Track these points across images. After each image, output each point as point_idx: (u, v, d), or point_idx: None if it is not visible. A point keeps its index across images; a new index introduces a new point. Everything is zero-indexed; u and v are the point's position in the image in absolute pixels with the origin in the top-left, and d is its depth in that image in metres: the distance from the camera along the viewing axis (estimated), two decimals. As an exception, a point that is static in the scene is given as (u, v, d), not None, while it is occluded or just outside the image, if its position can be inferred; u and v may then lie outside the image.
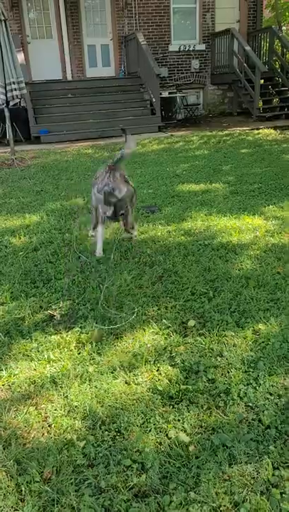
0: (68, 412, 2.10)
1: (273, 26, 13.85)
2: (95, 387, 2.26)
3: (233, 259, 3.71)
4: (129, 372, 2.35)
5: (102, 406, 2.12)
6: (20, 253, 4.04)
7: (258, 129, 11.29)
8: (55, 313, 2.95)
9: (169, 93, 12.97)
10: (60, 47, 13.15)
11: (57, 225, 4.77)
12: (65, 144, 10.48)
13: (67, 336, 2.71)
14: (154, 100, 12.01)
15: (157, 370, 2.37)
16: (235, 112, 14.45)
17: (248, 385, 2.24)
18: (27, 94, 10.63)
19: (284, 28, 14.91)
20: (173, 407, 2.11)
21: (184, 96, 13.53)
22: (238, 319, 2.82)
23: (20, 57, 10.96)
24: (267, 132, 10.75)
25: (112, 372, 2.35)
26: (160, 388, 2.22)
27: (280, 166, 7.21)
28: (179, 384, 2.24)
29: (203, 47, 14.53)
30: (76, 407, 2.12)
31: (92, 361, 2.46)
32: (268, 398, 2.14)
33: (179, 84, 14.33)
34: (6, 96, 7.72)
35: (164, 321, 2.81)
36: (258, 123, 12.37)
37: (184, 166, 7.35)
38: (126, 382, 2.28)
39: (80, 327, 2.80)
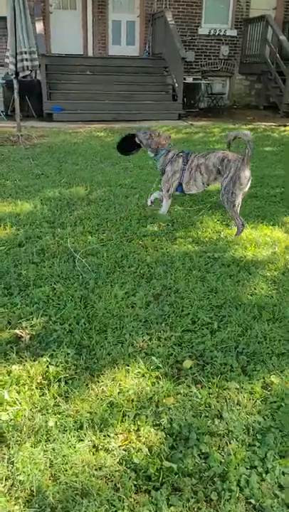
0: (9, 489, 1.58)
1: (312, 17, 12.97)
2: (53, 450, 1.74)
3: (245, 279, 3.15)
4: (100, 431, 1.83)
5: (55, 484, 1.60)
6: (2, 248, 3.51)
7: (284, 125, 10.58)
8: (23, 334, 2.43)
9: (194, 79, 12.26)
10: (83, 19, 12.47)
11: (50, 216, 4.23)
12: (78, 124, 9.89)
13: (32, 366, 2.19)
14: (176, 85, 11.33)
15: (136, 431, 1.84)
16: (262, 105, 13.68)
17: (251, 468, 1.70)
18: (42, 67, 10.03)
19: None
20: (149, 495, 1.59)
21: (209, 83, 12.80)
22: (246, 364, 2.28)
23: (38, 26, 10.34)
24: (293, 130, 10.04)
25: (78, 430, 1.83)
26: (136, 461, 1.70)
27: (307, 170, 6.56)
28: (161, 457, 1.72)
29: (234, 33, 13.72)
30: (21, 482, 1.60)
31: (55, 409, 1.94)
32: (276, 495, 1.60)
33: (205, 71, 13.59)
34: (15, 66, 7.12)
35: (153, 358, 2.27)
36: (285, 119, 11.64)
37: (201, 160, 6.72)
38: (93, 447, 1.76)
39: (51, 356, 2.27)
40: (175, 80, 11.39)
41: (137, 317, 2.64)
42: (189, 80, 12.10)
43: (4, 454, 1.71)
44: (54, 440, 1.77)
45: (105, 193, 5.01)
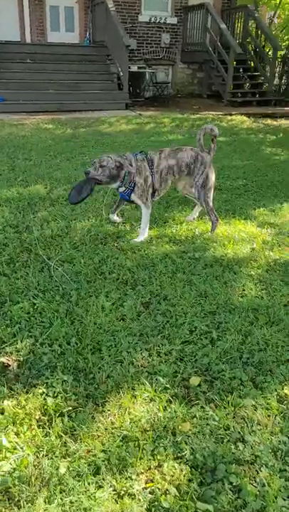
0: None
1: (249, 5, 13.12)
2: (71, 503, 1.52)
3: (232, 280, 3.04)
4: (119, 473, 1.63)
5: None
6: None
7: (230, 114, 10.66)
8: (9, 362, 2.17)
9: (138, 67, 12.03)
10: (19, 5, 11.79)
11: (13, 220, 3.89)
12: (22, 116, 9.37)
13: (27, 401, 1.94)
14: (121, 74, 11.05)
15: (158, 468, 1.67)
16: (205, 94, 13.72)
17: (289, 497, 1.59)
18: (-21, 54, 9.38)
19: (260, 8, 14.21)
20: None
21: (153, 72, 12.61)
22: (255, 376, 2.17)
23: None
24: (240, 119, 10.15)
25: (95, 475, 1.62)
26: (166, 505, 1.53)
27: (262, 159, 6.62)
28: (193, 498, 1.56)
29: (175, 20, 13.61)
30: None
31: (63, 451, 1.72)
32: None
33: (147, 59, 13.39)
34: None
35: (159, 378, 2.10)
36: (229, 108, 11.74)
37: (158, 153, 6.56)
38: (116, 493, 1.57)
39: (45, 385, 2.03)
40: (120, 69, 11.10)
41: (131, 331, 2.45)
42: (134, 68, 11.86)
43: (16, 516, 1.48)
44: (70, 491, 1.56)
45: (67, 191, 4.70)
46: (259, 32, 13.34)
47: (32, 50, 11.31)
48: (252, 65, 13.58)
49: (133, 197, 3.52)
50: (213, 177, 3.74)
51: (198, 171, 3.64)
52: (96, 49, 12.10)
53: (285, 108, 12.09)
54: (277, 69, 13.81)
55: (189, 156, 3.62)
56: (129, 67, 11.34)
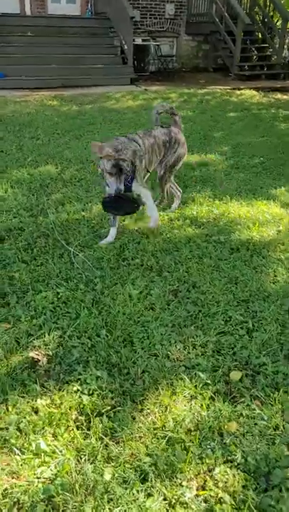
0: None
1: (257, -27, 12.60)
2: (121, 514, 1.42)
3: (262, 265, 2.90)
4: (169, 479, 1.52)
5: None
6: (-19, 246, 3.03)
7: (239, 89, 10.35)
8: (39, 357, 2.05)
9: (143, 40, 11.60)
10: (17, -26, 11.29)
11: (26, 203, 3.73)
12: (24, 92, 9.07)
13: (61, 399, 1.83)
14: (125, 47, 10.68)
15: (209, 473, 1.56)
16: (211, 67, 13.31)
17: None
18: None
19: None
20: None
21: (158, 45, 12.18)
22: (298, 369, 2.05)
23: None
24: (250, 94, 9.85)
25: (143, 481, 1.51)
26: (223, 515, 1.43)
27: (277, 136, 6.40)
28: (250, 507, 1.45)
29: (180, -10, 13.08)
30: None
31: (106, 454, 1.61)
32: None
33: (151, 31, 12.93)
34: None
35: (199, 373, 1.98)
36: (237, 82, 11.39)
37: (169, 130, 6.33)
38: (167, 502, 1.46)
39: (79, 381, 1.92)
40: (124, 42, 10.72)
41: (162, 321, 2.32)
42: (138, 41, 11.44)
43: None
44: (118, 500, 1.45)
45: (79, 171, 4.54)
46: (267, 1, 12.85)
47: (32, 22, 10.89)
48: (260, 36, 13.15)
49: (134, 186, 3.01)
50: (184, 158, 3.51)
51: (172, 150, 3.35)
52: (98, 21, 11.66)
53: (295, 82, 11.73)
54: (287, 40, 13.34)
55: (163, 133, 3.31)
56: (133, 40, 10.94)
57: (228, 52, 12.13)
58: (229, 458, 1.61)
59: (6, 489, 1.48)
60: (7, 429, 1.70)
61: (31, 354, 2.04)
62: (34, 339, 2.16)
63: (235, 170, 4.81)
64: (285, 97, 9.92)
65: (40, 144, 5.47)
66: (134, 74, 10.82)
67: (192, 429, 1.72)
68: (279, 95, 10.03)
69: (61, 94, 8.91)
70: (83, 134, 6.02)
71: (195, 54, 13.83)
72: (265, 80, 11.80)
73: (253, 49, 12.91)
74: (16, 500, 1.45)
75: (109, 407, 1.79)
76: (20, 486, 1.49)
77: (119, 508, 1.42)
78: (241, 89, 10.30)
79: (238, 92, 10.00)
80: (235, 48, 11.66)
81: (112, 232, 3.12)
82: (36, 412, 1.78)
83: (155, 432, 1.70)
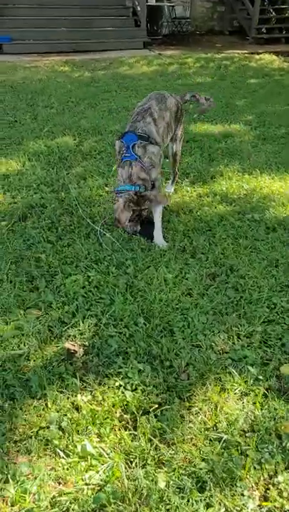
0: None
1: None
2: (180, 527, 1.31)
3: (302, 246, 2.73)
4: (229, 488, 1.41)
5: None
6: (3, 223, 2.87)
7: (258, 53, 9.89)
8: (75, 347, 1.92)
9: (156, 1, 11.03)
10: None
11: (46, 177, 3.54)
12: (33, 57, 8.71)
13: (103, 395, 1.71)
14: (138, 8, 10.17)
15: (270, 480, 1.44)
16: (226, 30, 12.74)
17: None
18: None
19: None
20: None
21: (172, 6, 11.60)
22: None
23: None
24: (269, 58, 9.40)
25: (200, 490, 1.40)
26: (289, 528, 1.31)
27: (302, 104, 6.07)
28: None
29: None
30: None
31: (157, 458, 1.50)
32: None
33: (163, -9, 12.30)
34: None
35: (248, 367, 1.84)
36: (255, 46, 10.89)
37: (189, 98, 6.03)
38: (228, 514, 1.35)
39: (120, 375, 1.79)
40: (137, 3, 10.19)
41: (202, 309, 2.18)
42: (152, 1, 10.88)
43: None
44: (176, 510, 1.34)
45: (98, 143, 4.31)
46: None
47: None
48: (278, -4, 12.49)
49: (154, 174, 2.52)
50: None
51: (179, 123, 2.99)
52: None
53: (315, 46, 11.19)
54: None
55: (174, 104, 2.86)
56: (147, 1, 10.41)
57: (246, 14, 11.56)
58: (290, 465, 1.49)
59: (53, 497, 1.37)
60: (48, 428, 1.58)
61: (67, 345, 1.91)
62: (68, 328, 2.03)
63: (262, 141, 4.57)
64: (305, 62, 9.46)
65: (55, 113, 5.22)
66: (147, 37, 10.34)
67: (247, 430, 1.60)
68: (299, 60, 9.57)
69: (72, 60, 8.55)
70: (98, 102, 5.75)
71: (210, 16, 13.21)
72: (285, 44, 11.26)
73: (272, 10, 12.27)
74: (65, 509, 1.34)
75: (155, 405, 1.66)
76: (69, 493, 1.38)
77: (177, 521, 1.31)
78: (260, 53, 9.84)
79: (256, 56, 9.55)
80: (253, 9, 11.08)
81: None
82: (77, 409, 1.66)
83: (207, 433, 1.58)
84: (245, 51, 10.09)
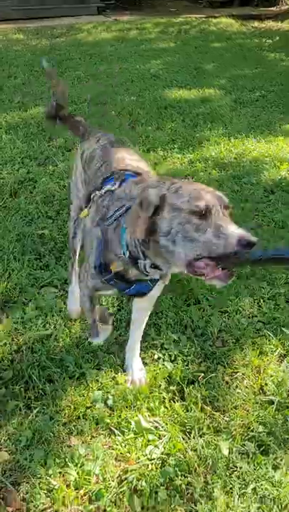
0: None
1: None
2: (254, 492, 1.29)
3: (303, 207, 2.74)
4: (289, 447, 1.41)
5: None
6: (-5, 202, 2.69)
7: (214, 17, 9.69)
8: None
9: None
10: None
11: (28, 150, 3.35)
12: (-17, 25, 8.14)
13: (145, 367, 1.65)
14: None
15: None
16: (179, -6, 12.37)
17: None
18: None
19: None
20: None
21: None
22: None
23: None
24: (227, 22, 9.26)
25: (265, 454, 1.39)
26: None
27: (270, 66, 6.07)
28: None
29: None
30: None
31: (212, 425, 1.47)
32: None
33: None
34: None
35: (283, 329, 1.84)
36: (209, 10, 10.67)
37: (157, 63, 5.88)
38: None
39: (155, 346, 1.74)
40: None
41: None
42: None
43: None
44: (245, 476, 1.32)
45: (74, 112, 4.11)
46: None
47: None
48: None
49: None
50: None
51: None
52: None
53: (269, 8, 11.12)
54: None
55: None
56: None
57: (198, -24, 11.27)
58: None
59: (118, 476, 1.32)
60: (94, 406, 1.52)
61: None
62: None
63: (240, 105, 4.53)
64: (262, 25, 9.40)
65: (21, 84, 4.92)
66: (100, 1, 9.90)
67: (293, 390, 1.60)
68: (256, 23, 9.49)
69: (26, 27, 8.07)
70: (65, 70, 5.47)
71: (160, -21, 12.79)
72: (239, 7, 11.12)
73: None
74: (133, 486, 1.30)
75: (201, 374, 1.63)
76: (134, 470, 1.33)
77: (251, 487, 1.30)
78: (217, 17, 9.66)
79: (214, 20, 9.38)
80: None
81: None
82: (117, 384, 1.60)
83: (256, 397, 1.57)
84: (202, 15, 9.88)
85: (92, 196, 1.38)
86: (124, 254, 1.20)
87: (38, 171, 3.04)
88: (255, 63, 6.15)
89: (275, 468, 1.35)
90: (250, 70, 5.79)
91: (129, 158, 1.47)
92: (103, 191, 1.33)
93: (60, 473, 1.33)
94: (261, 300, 2.01)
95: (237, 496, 1.27)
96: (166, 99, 4.50)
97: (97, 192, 1.35)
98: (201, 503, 1.26)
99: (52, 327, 1.82)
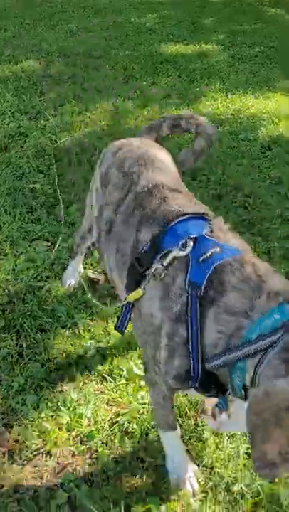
0: None
1: None
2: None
3: (300, 164, 2.70)
4: None
5: None
6: (-14, 156, 2.63)
7: None
8: (96, 275, 1.83)
9: None
10: None
11: (19, 104, 3.25)
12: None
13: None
14: None
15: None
16: None
17: None
18: None
19: None
20: None
21: None
22: None
23: None
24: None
25: None
26: None
27: (270, 22, 5.84)
28: None
29: None
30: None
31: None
32: None
33: None
34: None
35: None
36: None
37: (153, 17, 5.65)
38: None
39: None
40: None
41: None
42: None
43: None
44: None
45: (67, 67, 3.98)
46: None
47: None
48: None
49: None
50: None
51: None
52: None
53: None
54: None
55: None
56: None
57: None
58: None
59: (110, 419, 1.34)
60: (86, 354, 1.52)
61: (89, 274, 1.82)
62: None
63: (238, 61, 4.38)
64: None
65: (11, 37, 4.74)
66: None
67: None
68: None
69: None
70: (57, 23, 5.25)
71: None
72: None
73: None
74: (124, 429, 1.32)
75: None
76: (125, 413, 1.35)
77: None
78: None
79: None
80: None
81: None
82: (109, 334, 1.60)
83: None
84: None
85: (147, 272, 0.97)
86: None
87: (29, 126, 2.96)
88: (254, 18, 5.92)
89: None
90: (250, 26, 5.59)
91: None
92: (168, 259, 0.95)
93: (52, 416, 1.34)
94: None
95: (226, 437, 1.29)
96: (162, 54, 4.35)
97: (158, 265, 0.95)
98: (192, 444, 1.28)
99: (44, 279, 1.80)
